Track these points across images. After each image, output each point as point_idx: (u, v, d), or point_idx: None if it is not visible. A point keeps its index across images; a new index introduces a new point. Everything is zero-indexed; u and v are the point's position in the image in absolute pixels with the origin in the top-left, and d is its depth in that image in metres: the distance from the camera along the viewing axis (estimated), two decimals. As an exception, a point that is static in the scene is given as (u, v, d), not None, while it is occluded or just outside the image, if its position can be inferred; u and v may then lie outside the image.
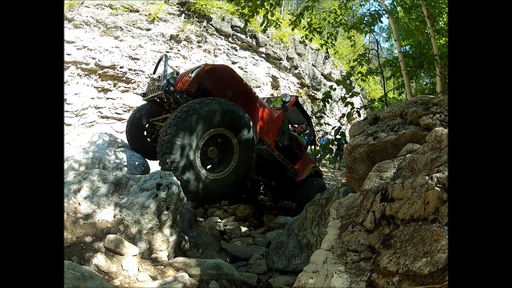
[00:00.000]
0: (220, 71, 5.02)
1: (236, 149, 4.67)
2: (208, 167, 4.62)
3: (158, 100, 5.36)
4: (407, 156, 2.45)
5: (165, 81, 4.76)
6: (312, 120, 8.70)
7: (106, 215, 3.08)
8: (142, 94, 5.77)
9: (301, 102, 18.57)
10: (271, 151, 5.86)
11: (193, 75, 4.83)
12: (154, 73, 5.63)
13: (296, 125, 8.65)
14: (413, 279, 1.21)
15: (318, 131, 20.21)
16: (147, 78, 5.82)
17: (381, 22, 7.39)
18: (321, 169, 14.50)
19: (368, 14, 6.81)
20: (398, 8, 7.79)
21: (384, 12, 7.06)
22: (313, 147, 8.70)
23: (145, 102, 5.91)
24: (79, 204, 3.04)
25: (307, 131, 8.33)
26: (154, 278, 2.71)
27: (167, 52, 13.80)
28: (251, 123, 4.76)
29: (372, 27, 6.85)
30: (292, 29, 7.92)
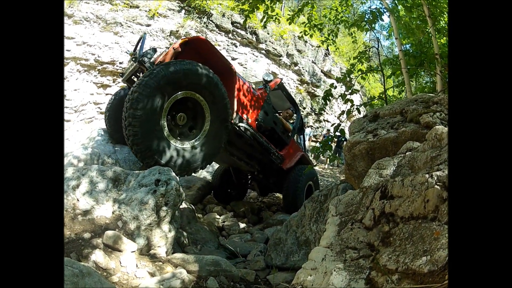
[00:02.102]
0: (196, 44, 4.75)
1: (207, 114, 4.32)
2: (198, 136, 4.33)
3: (136, 79, 5.02)
4: (407, 154, 2.45)
5: (141, 53, 4.53)
6: (298, 105, 8.21)
7: (105, 211, 3.08)
8: (120, 75, 5.38)
9: (300, 100, 18.61)
10: (252, 130, 5.51)
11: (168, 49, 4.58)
12: (134, 51, 5.17)
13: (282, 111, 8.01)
14: (412, 277, 1.21)
15: (317, 127, 20.21)
16: (126, 53, 5.53)
17: (382, 20, 7.35)
18: (319, 166, 14.54)
19: (369, 12, 6.80)
20: (399, 7, 7.78)
21: (385, 10, 7.05)
22: (301, 137, 8.41)
23: (125, 85, 5.63)
24: (78, 200, 3.03)
25: (294, 117, 7.78)
26: (152, 274, 2.71)
27: (167, 47, 13.80)
28: (223, 87, 4.43)
29: (373, 25, 6.84)
30: (290, 23, 7.90)
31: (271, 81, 6.28)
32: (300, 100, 18.65)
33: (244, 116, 5.38)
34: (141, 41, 4.83)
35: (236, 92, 5.08)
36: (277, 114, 7.48)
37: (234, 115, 5.02)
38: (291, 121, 7.71)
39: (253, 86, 6.35)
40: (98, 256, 2.56)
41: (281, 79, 7.16)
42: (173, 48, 4.50)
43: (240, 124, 5.23)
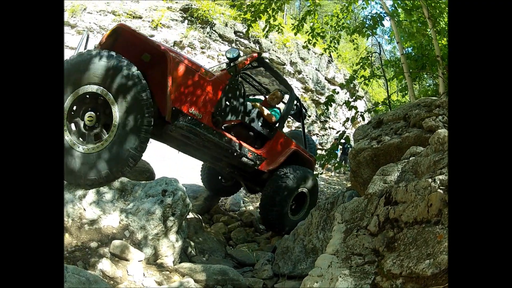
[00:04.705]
0: (122, 34, 3.93)
1: (115, 112, 3.47)
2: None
3: None
4: (410, 159, 2.46)
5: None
6: (291, 85, 6.12)
7: (112, 220, 3.10)
8: None
9: (305, 109, 18.57)
10: (199, 129, 4.19)
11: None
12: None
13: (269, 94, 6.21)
14: (416, 281, 1.22)
15: (323, 135, 20.19)
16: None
17: (383, 25, 7.30)
18: (326, 173, 14.49)
19: (370, 17, 6.84)
20: (399, 10, 7.80)
21: (385, 15, 7.08)
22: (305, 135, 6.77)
23: None
24: (84, 209, 3.06)
25: (282, 98, 6.02)
26: (159, 284, 2.73)
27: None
28: (140, 77, 3.53)
29: (374, 30, 6.87)
30: (295, 34, 7.95)
31: (237, 58, 4.70)
32: (305, 108, 18.67)
33: (190, 110, 4.14)
34: (80, 42, 4.19)
35: (171, 81, 3.89)
36: (250, 101, 5.71)
37: (170, 109, 3.92)
38: (276, 106, 5.88)
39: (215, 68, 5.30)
40: (105, 265, 2.58)
41: (260, 52, 5.41)
42: (100, 43, 4.00)
43: (180, 121, 4.01)
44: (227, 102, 4.62)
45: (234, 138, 4.69)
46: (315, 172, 6.32)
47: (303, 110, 6.60)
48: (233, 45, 16.08)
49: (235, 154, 4.73)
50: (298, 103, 6.26)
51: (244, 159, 4.90)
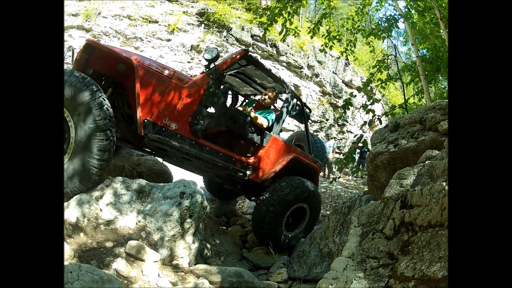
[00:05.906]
0: (92, 48, 3.87)
1: (71, 125, 3.21)
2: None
3: None
4: (426, 162, 2.45)
5: None
6: (286, 83, 5.26)
7: (128, 221, 3.14)
8: None
9: (323, 112, 18.53)
10: (175, 142, 3.88)
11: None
12: None
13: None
14: (427, 283, 1.22)
15: (341, 139, 20.06)
16: None
17: (398, 27, 7.15)
18: (344, 177, 14.37)
19: (384, 19, 6.82)
20: (412, 11, 7.76)
21: (399, 17, 7.05)
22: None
23: None
24: (101, 210, 3.11)
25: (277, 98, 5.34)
26: (174, 284, 2.75)
27: (188, 62, 13.95)
28: (92, 86, 3.25)
29: (389, 33, 6.83)
30: (311, 37, 7.94)
31: (216, 58, 4.14)
32: (323, 112, 18.58)
33: (164, 121, 3.83)
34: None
35: (139, 91, 3.62)
36: (236, 106, 5.60)
37: (142, 121, 3.66)
38: (272, 108, 5.30)
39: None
40: (119, 265, 2.61)
41: (246, 49, 4.82)
42: (75, 59, 3.97)
43: (153, 134, 3.72)
44: (207, 109, 4.20)
45: (218, 148, 4.31)
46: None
47: (306, 109, 5.81)
48: (250, 48, 16.13)
49: (219, 165, 4.32)
50: (298, 102, 5.58)
51: (231, 170, 4.47)
